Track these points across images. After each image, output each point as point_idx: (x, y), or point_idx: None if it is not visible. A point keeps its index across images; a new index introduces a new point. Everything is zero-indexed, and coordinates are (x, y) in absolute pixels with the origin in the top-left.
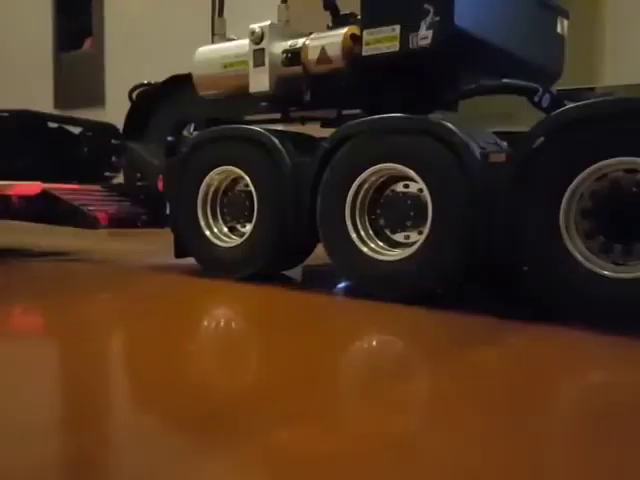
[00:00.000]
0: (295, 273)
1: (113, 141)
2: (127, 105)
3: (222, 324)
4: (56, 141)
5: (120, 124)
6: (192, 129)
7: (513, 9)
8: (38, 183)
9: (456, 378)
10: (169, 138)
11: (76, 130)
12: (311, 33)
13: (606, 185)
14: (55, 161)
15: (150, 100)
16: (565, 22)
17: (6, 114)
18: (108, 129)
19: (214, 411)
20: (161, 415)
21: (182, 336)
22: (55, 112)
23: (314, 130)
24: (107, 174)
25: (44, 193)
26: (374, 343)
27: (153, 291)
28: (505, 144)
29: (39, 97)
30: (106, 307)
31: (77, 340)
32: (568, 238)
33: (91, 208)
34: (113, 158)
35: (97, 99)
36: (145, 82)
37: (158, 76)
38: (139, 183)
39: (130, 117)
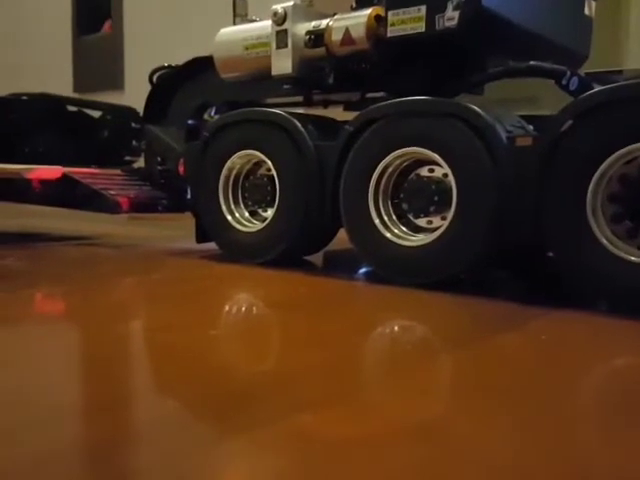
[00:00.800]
0: (317, 258)
1: (133, 125)
2: (147, 88)
3: (244, 309)
4: (75, 125)
5: (140, 107)
6: (213, 112)
7: None
8: (59, 167)
9: (479, 364)
10: (190, 121)
11: (96, 114)
12: (335, 14)
13: (635, 169)
14: (75, 145)
15: (171, 83)
16: (593, 4)
17: (25, 97)
18: (128, 112)
19: (238, 395)
20: (185, 399)
21: (204, 321)
22: (75, 95)
23: (337, 114)
24: (127, 158)
25: (65, 177)
26: (396, 328)
27: (174, 275)
28: (531, 127)
29: (59, 80)
30: (129, 291)
31: (101, 325)
32: (595, 223)
33: (112, 192)
34: (133, 142)
35: (116, 82)
36: (166, 65)
37: (178, 59)
38: (160, 167)
39: (150, 100)
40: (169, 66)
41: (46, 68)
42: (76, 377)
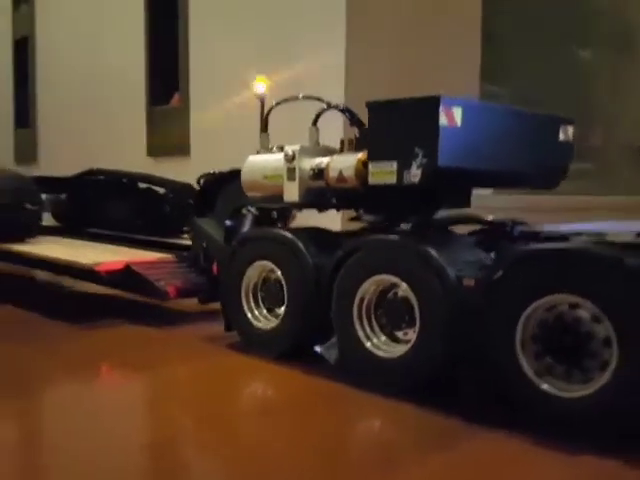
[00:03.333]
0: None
1: (190, 201)
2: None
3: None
4: (145, 199)
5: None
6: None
7: (503, 131)
8: (122, 260)
9: None
10: (228, 222)
11: (161, 190)
12: (334, 153)
13: (552, 316)
14: (144, 216)
15: (214, 186)
16: (570, 129)
17: (102, 178)
18: (187, 190)
19: None
20: None
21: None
22: (149, 159)
23: None
24: (185, 229)
25: (126, 268)
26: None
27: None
28: (492, 256)
29: (135, 145)
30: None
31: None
32: (523, 358)
33: (162, 283)
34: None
35: (183, 149)
36: (211, 171)
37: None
38: (203, 255)
39: (198, 199)
40: (214, 172)
41: (124, 132)
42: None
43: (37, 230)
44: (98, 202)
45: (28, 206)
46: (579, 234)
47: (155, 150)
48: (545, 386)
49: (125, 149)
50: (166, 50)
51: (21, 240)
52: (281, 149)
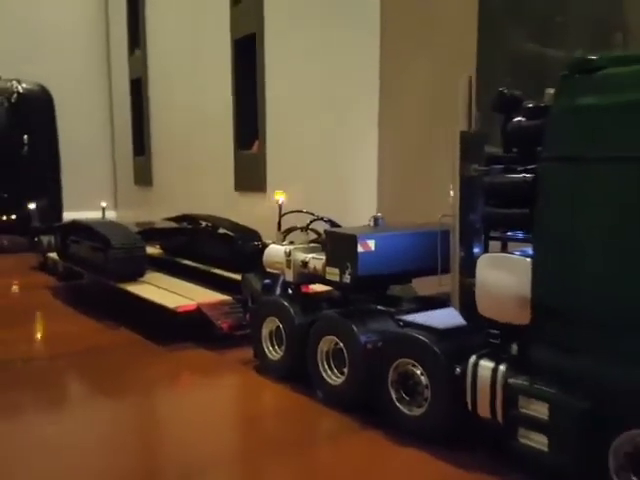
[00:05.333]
0: None
1: (256, 243)
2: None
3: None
4: (220, 241)
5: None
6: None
7: (402, 249)
8: (194, 302)
9: None
10: (266, 280)
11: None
12: (316, 253)
13: (403, 371)
14: (219, 254)
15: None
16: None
17: (189, 224)
18: (253, 235)
19: None
20: None
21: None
22: (235, 193)
23: None
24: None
25: (197, 308)
26: None
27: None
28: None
29: (225, 181)
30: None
31: None
32: (392, 391)
33: (219, 321)
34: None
35: (261, 187)
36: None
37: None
38: (250, 302)
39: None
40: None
41: (218, 169)
42: None
43: (144, 271)
44: (188, 244)
45: (138, 253)
46: (418, 324)
47: (240, 187)
48: (401, 407)
49: (218, 183)
50: (248, 101)
51: (134, 280)
52: (291, 242)
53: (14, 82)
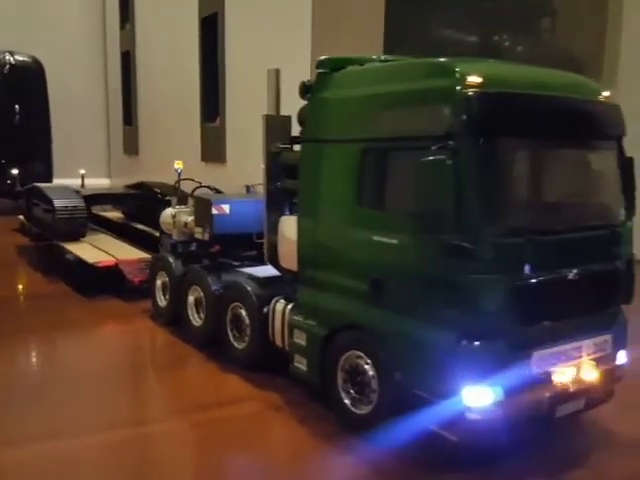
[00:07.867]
0: None
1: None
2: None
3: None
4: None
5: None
6: None
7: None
8: (113, 259)
9: None
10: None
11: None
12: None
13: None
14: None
15: None
16: None
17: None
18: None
19: None
20: None
21: None
22: (202, 163)
23: None
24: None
25: (116, 265)
26: None
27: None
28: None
29: (192, 152)
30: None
31: None
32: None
33: (131, 276)
34: None
35: (221, 157)
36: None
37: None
38: None
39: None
40: None
41: (190, 142)
42: None
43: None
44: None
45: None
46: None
47: (206, 157)
48: (233, 342)
49: (190, 154)
50: (213, 76)
51: (76, 240)
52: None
53: (6, 54)
